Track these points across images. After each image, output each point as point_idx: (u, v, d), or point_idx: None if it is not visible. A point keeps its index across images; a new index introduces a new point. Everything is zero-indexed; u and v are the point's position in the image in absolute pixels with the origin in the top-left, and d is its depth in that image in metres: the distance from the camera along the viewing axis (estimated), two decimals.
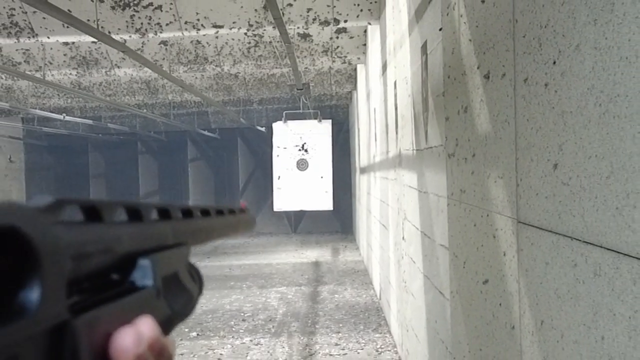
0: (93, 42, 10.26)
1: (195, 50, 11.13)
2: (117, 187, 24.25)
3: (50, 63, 11.22)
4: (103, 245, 0.50)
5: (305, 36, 10.64)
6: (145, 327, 0.51)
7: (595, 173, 1.75)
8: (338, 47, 11.20)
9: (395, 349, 8.09)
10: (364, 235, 14.80)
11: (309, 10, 8.59)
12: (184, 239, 0.68)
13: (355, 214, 18.87)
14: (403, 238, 6.66)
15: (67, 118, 15.40)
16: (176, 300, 0.63)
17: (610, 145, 1.65)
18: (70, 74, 11.56)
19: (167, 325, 0.59)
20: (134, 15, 8.64)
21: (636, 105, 1.51)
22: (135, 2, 8.55)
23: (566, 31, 1.95)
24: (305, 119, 17.19)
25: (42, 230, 0.41)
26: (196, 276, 0.72)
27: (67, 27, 8.31)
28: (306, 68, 12.29)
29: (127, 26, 8.68)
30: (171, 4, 8.60)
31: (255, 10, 8.62)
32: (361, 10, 8.62)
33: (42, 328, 0.40)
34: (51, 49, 11.03)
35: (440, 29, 4.08)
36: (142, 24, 8.69)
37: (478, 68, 3.11)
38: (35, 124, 18.45)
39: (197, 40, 10.91)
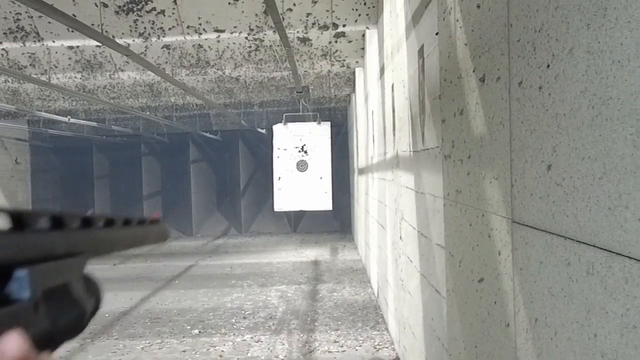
0: (97, 46, 10.26)
1: (197, 54, 11.13)
2: (121, 187, 24.23)
3: (56, 66, 11.22)
4: None
5: (304, 40, 10.64)
6: (11, 344, 0.46)
7: (588, 174, 1.75)
8: (337, 51, 11.20)
9: (392, 346, 8.08)
10: (362, 234, 14.80)
11: (308, 15, 8.59)
12: (81, 249, 0.63)
13: (353, 214, 18.88)
14: (400, 238, 6.66)
15: (72, 120, 15.39)
16: (63, 314, 0.58)
17: (603, 146, 1.65)
18: (75, 77, 11.56)
19: (48, 341, 0.53)
20: (137, 19, 8.64)
21: (628, 108, 1.51)
22: (138, 7, 8.55)
23: (560, 35, 1.95)
24: (304, 121, 17.19)
25: None
26: (93, 289, 0.67)
27: (72, 31, 8.32)
28: (305, 71, 12.29)
29: (131, 30, 8.68)
30: (174, 9, 8.59)
31: (256, 15, 8.62)
32: (359, 15, 8.62)
33: None
34: (56, 52, 11.03)
35: (437, 33, 4.08)
36: (145, 28, 8.69)
37: (474, 71, 3.11)
38: (41, 126, 18.46)
39: (199, 44, 10.91)
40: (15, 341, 0.46)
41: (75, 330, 0.61)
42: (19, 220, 0.53)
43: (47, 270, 0.54)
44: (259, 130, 21.13)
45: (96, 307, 0.67)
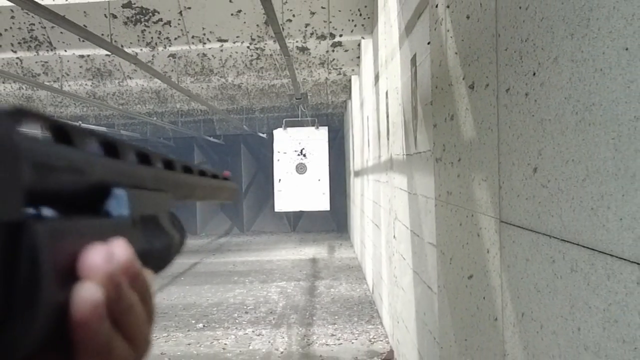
0: (107, 55, 10.25)
1: (201, 63, 11.13)
2: None
3: (67, 74, 11.22)
4: (72, 164, 0.44)
5: (303, 49, 10.64)
6: (119, 248, 0.44)
7: (572, 176, 1.75)
8: (334, 59, 11.20)
9: (386, 339, 8.08)
10: (357, 234, 14.80)
11: (307, 25, 8.59)
12: (165, 187, 0.62)
13: (349, 214, 18.87)
14: (394, 236, 6.66)
15: (83, 125, 15.39)
16: (155, 239, 0.57)
17: (586, 150, 1.65)
18: (86, 84, 11.55)
19: (145, 259, 0.51)
20: (144, 30, 8.63)
21: (610, 114, 1.51)
22: (145, 18, 8.55)
23: (545, 45, 1.95)
24: (303, 126, 17.20)
25: None
26: (178, 226, 0.66)
27: (83, 41, 8.30)
28: (304, 79, 12.30)
29: (139, 40, 8.68)
30: (179, 19, 8.59)
31: (257, 25, 8.62)
32: (355, 26, 8.63)
33: None
34: (68, 61, 11.03)
35: (429, 43, 4.08)
36: (152, 38, 8.69)
37: (463, 79, 3.11)
38: None
39: (203, 53, 10.90)
40: (122, 246, 0.45)
41: (165, 260, 0.61)
42: (112, 147, 0.52)
43: (140, 196, 0.53)
44: (260, 134, 21.14)
45: (181, 243, 0.66)
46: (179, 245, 0.65)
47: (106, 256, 0.42)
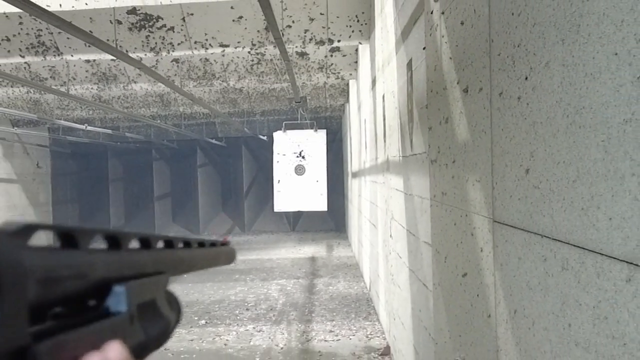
0: (112, 59, 10.25)
1: (204, 67, 11.12)
2: (134, 189, 24.22)
3: (74, 78, 11.21)
4: (75, 270, 0.46)
5: (302, 54, 10.64)
6: (113, 352, 0.47)
7: (563, 177, 1.75)
8: (332, 64, 11.20)
9: (383, 335, 8.08)
10: (355, 233, 14.79)
11: (306, 31, 8.59)
12: (164, 268, 0.64)
13: (347, 214, 18.87)
14: (390, 236, 6.66)
15: (89, 128, 15.38)
16: (152, 326, 0.59)
17: (577, 152, 1.65)
18: (92, 88, 11.54)
19: (141, 350, 0.55)
20: (149, 35, 8.63)
21: (600, 117, 1.51)
22: (150, 24, 8.55)
23: (537, 50, 1.95)
24: (302, 128, 17.19)
25: (4, 254, 0.38)
26: (174, 304, 0.68)
27: (89, 46, 8.31)
28: (303, 83, 12.29)
29: (143, 45, 8.68)
30: (182, 25, 8.59)
31: (258, 31, 8.62)
32: (353, 31, 8.63)
33: None
34: (74, 65, 11.02)
35: (424, 48, 4.08)
36: (156, 43, 8.68)
37: (458, 83, 3.11)
38: (60, 134, 18.43)
39: (206, 58, 10.90)
40: (117, 350, 0.47)
41: (162, 341, 0.62)
42: (114, 240, 0.55)
43: (139, 286, 0.56)
44: (261, 137, 21.12)
45: (178, 319, 0.68)
46: (175, 323, 0.67)
47: None
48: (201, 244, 0.79)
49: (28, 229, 0.41)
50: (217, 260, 0.88)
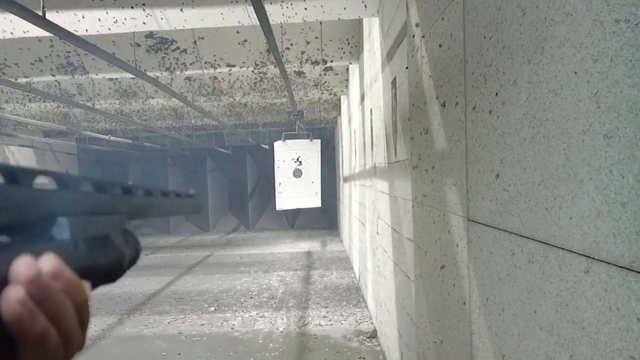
0: (132, 78, 10.24)
1: (213, 84, 11.11)
2: None
3: (99, 94, 11.18)
4: (13, 200, 0.44)
5: (299, 73, 10.64)
6: (46, 260, 0.45)
7: (529, 181, 1.75)
8: (326, 82, 11.20)
9: (371, 320, 8.07)
10: (346, 230, 14.78)
11: (302, 53, 8.59)
12: (120, 210, 0.62)
13: (339, 214, 18.86)
14: (377, 233, 6.65)
15: (112, 138, 15.32)
16: (102, 256, 0.57)
17: (541, 159, 1.65)
18: (114, 103, 11.52)
19: (87, 274, 0.52)
20: (164, 56, 8.62)
21: (561, 128, 1.51)
22: (165, 46, 8.54)
23: (506, 69, 1.95)
24: (299, 138, 17.19)
25: None
26: (132, 241, 0.65)
27: (112, 66, 8.30)
28: (300, 98, 12.29)
29: (159, 65, 8.67)
30: (194, 48, 8.58)
31: (260, 52, 8.62)
32: (344, 53, 8.63)
33: None
34: (99, 83, 11.00)
35: (407, 68, 4.09)
36: (170, 63, 8.67)
37: (436, 98, 3.11)
38: (87, 143, 18.39)
39: (215, 77, 10.89)
40: (49, 258, 0.45)
41: (115, 272, 0.61)
42: (63, 182, 0.52)
43: (86, 221, 0.54)
44: (263, 146, 21.11)
45: (135, 256, 0.66)
46: (132, 258, 0.65)
47: (28, 264, 0.43)
48: (165, 194, 0.77)
49: None
50: (180, 209, 0.86)
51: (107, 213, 0.60)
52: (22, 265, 0.42)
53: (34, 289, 0.43)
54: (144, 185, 0.70)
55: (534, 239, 1.72)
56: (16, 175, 0.45)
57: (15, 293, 0.42)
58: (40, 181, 0.49)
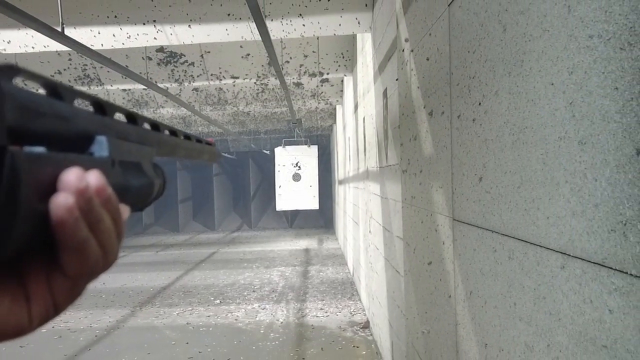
0: (144, 89, 10.23)
1: (218, 95, 11.11)
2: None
3: None
4: (56, 112, 0.42)
5: (298, 84, 10.65)
6: (92, 175, 0.44)
7: (509, 184, 1.75)
8: (322, 92, 11.21)
9: (364, 312, 8.06)
10: (341, 229, 14.78)
11: (301, 65, 8.60)
12: (149, 143, 0.60)
13: (335, 214, 18.85)
14: (370, 231, 6.65)
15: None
16: (135, 179, 0.55)
17: (521, 164, 1.65)
18: None
19: (123, 192, 0.51)
20: (173, 69, 8.62)
21: (539, 135, 1.51)
22: (174, 60, 8.54)
23: (488, 81, 1.95)
24: (298, 144, 17.24)
25: None
26: (160, 173, 0.64)
27: (125, 78, 8.30)
28: (299, 108, 12.29)
29: (169, 77, 8.66)
30: (201, 61, 8.58)
31: (262, 65, 8.62)
32: (339, 66, 8.64)
33: None
34: (113, 94, 10.99)
35: (397, 79, 4.09)
36: (179, 75, 8.67)
37: (424, 108, 3.11)
38: None
39: (220, 88, 10.89)
40: (96, 174, 0.45)
41: (145, 198, 0.59)
42: (100, 106, 0.51)
43: (122, 145, 0.53)
44: (265, 151, 21.12)
45: (162, 187, 0.64)
46: (160, 188, 0.63)
47: (79, 176, 0.42)
48: (187, 137, 0.75)
49: (11, 69, 0.38)
50: (200, 154, 0.84)
51: (140, 143, 0.58)
52: (73, 176, 0.42)
53: (81, 201, 0.42)
54: (170, 126, 0.69)
55: (514, 237, 1.72)
56: (59, 91, 0.44)
57: (65, 200, 0.41)
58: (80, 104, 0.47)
